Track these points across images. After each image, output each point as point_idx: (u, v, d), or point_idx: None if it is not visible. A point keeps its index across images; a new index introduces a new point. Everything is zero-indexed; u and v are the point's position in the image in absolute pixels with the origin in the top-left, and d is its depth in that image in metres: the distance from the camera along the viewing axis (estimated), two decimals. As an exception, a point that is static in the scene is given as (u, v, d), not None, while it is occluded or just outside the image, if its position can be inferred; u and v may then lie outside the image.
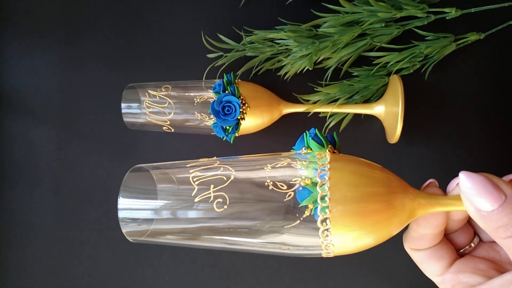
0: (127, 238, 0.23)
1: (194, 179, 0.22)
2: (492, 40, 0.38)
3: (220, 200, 0.21)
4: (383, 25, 0.37)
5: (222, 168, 0.22)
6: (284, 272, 0.40)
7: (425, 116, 0.39)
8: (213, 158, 0.24)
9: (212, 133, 0.38)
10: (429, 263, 0.24)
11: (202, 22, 0.42)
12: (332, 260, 0.40)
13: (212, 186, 0.21)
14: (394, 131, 0.35)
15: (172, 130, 0.39)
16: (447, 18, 0.37)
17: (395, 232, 0.21)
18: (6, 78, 0.46)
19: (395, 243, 0.39)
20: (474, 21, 0.38)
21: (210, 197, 0.21)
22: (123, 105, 0.38)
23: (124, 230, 0.22)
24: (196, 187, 0.21)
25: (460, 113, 0.38)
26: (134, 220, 0.22)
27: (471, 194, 0.19)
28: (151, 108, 0.38)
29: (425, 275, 0.38)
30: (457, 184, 0.21)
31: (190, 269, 0.42)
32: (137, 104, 0.38)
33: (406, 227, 0.25)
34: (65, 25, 0.45)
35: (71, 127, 0.45)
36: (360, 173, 0.21)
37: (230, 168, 0.22)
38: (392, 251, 0.39)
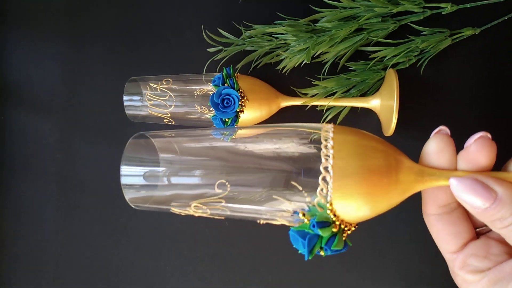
0: (130, 204, 0.23)
1: (197, 148, 0.22)
2: (487, 35, 0.38)
3: (223, 167, 0.22)
4: (380, 20, 0.37)
5: (225, 138, 0.23)
6: (281, 263, 0.41)
7: (421, 109, 0.39)
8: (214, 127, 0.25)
9: (212, 126, 0.38)
10: (445, 238, 0.24)
11: (202, 17, 0.43)
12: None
13: (214, 155, 0.22)
14: (390, 124, 0.36)
15: (173, 122, 0.40)
16: (443, 13, 0.38)
17: (394, 204, 0.22)
18: (11, 71, 0.47)
19: (390, 237, 0.39)
20: (470, 16, 0.38)
21: (210, 164, 0.22)
22: (125, 97, 0.39)
23: (127, 196, 0.23)
24: (196, 157, 0.22)
25: (455, 106, 0.39)
26: (136, 186, 0.23)
27: (464, 195, 0.20)
28: (153, 100, 0.38)
29: (418, 270, 0.39)
30: (474, 140, 0.21)
31: (190, 259, 0.43)
32: (139, 97, 0.39)
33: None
34: (68, 19, 0.46)
35: (74, 119, 0.46)
36: (362, 145, 0.21)
37: (235, 138, 0.23)
38: (388, 245, 0.40)
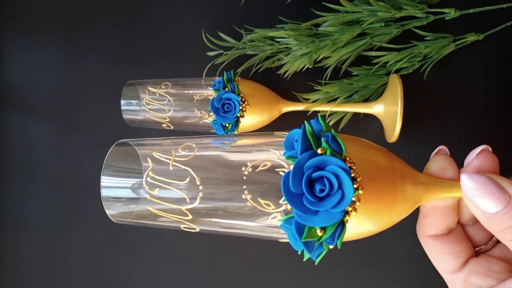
0: (111, 219, 0.21)
1: (180, 158, 0.20)
2: (490, 41, 0.38)
3: (206, 180, 0.20)
4: (383, 24, 0.37)
5: (211, 148, 0.22)
6: (281, 270, 0.40)
7: (424, 115, 0.39)
8: (207, 136, 0.23)
9: (212, 131, 0.38)
10: (444, 257, 0.23)
11: (202, 20, 0.43)
12: (330, 258, 0.40)
13: (199, 166, 0.20)
14: (393, 130, 0.35)
15: (172, 127, 0.39)
16: (446, 18, 0.37)
17: (399, 218, 0.20)
18: (6, 73, 0.46)
19: (393, 240, 0.39)
20: (473, 22, 0.38)
21: (196, 179, 0.20)
22: (122, 101, 0.38)
23: (108, 211, 0.21)
24: (187, 168, 0.20)
25: (459, 112, 0.39)
26: (117, 199, 0.21)
27: (474, 195, 0.19)
28: (151, 105, 0.38)
29: (421, 273, 0.38)
30: (474, 158, 0.21)
31: (188, 267, 0.42)
32: (137, 101, 0.38)
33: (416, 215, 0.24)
34: (65, 21, 0.45)
35: (70, 123, 0.45)
36: (365, 156, 0.20)
37: (221, 147, 0.21)
38: (390, 248, 0.39)
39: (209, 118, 0.37)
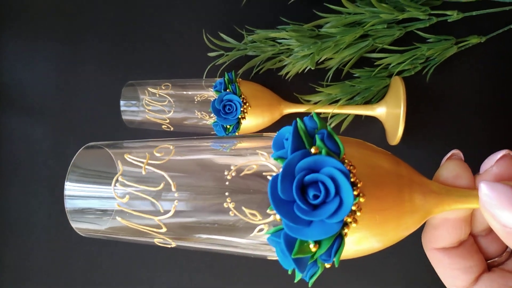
0: (79, 232, 0.19)
1: (155, 161, 0.18)
2: (493, 44, 0.38)
3: (188, 188, 0.17)
4: (385, 26, 0.36)
5: (191, 150, 0.19)
6: (280, 274, 0.40)
7: (426, 118, 0.39)
8: (192, 138, 0.20)
9: (212, 132, 0.37)
10: (453, 273, 0.20)
11: (203, 20, 0.42)
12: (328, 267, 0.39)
13: (175, 170, 0.18)
14: (395, 132, 0.35)
15: (172, 128, 0.38)
16: (448, 20, 0.37)
17: (407, 233, 0.18)
18: (4, 74, 0.46)
19: (392, 247, 0.38)
20: (476, 24, 0.38)
21: (171, 184, 0.17)
22: (122, 102, 0.38)
23: (74, 225, 0.18)
24: (161, 172, 0.17)
25: (461, 115, 0.38)
26: (86, 211, 0.18)
27: (494, 207, 0.17)
28: (151, 106, 0.37)
29: (420, 282, 0.38)
30: (496, 161, 0.19)
31: (187, 269, 0.41)
32: (136, 101, 0.38)
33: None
34: (64, 22, 0.45)
35: (69, 125, 0.44)
36: (369, 162, 0.17)
37: (206, 151, 0.19)
38: (388, 255, 0.39)
39: (210, 120, 0.37)
